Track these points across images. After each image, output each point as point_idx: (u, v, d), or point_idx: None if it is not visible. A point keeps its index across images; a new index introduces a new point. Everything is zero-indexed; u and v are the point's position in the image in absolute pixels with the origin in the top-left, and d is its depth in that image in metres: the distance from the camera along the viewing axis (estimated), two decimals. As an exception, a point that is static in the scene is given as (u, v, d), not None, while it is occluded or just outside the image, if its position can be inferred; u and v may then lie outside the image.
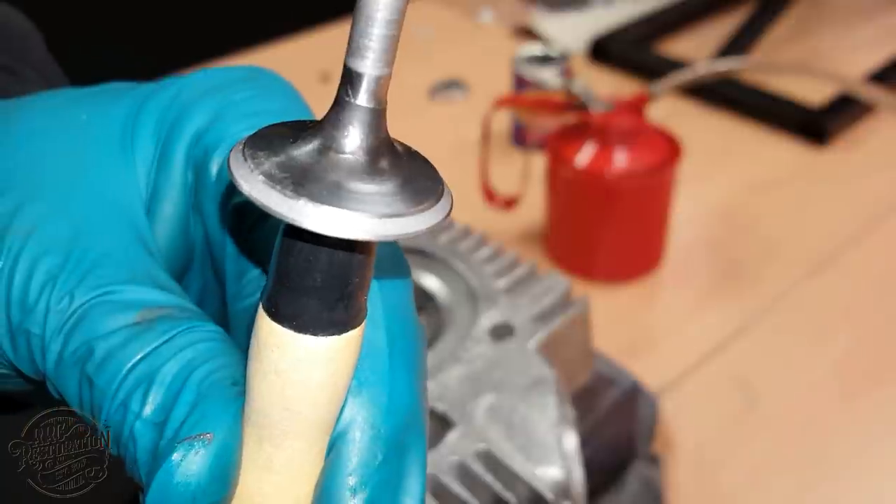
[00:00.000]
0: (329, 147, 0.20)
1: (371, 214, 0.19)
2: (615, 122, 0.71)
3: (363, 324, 0.22)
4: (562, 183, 0.73)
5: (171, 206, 0.26)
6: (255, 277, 0.26)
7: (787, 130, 0.93)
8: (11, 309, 0.23)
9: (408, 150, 0.21)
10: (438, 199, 0.20)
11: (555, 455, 0.42)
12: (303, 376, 0.22)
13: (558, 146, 0.73)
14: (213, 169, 0.25)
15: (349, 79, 0.19)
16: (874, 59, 1.03)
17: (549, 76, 0.86)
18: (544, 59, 0.89)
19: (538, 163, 0.78)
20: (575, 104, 0.72)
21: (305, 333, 0.21)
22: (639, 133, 0.72)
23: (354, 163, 0.20)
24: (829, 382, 0.66)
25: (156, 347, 0.22)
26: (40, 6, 0.34)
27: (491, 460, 0.42)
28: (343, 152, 0.20)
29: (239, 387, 0.22)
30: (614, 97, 0.73)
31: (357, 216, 0.19)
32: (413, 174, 0.20)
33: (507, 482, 0.42)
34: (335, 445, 0.23)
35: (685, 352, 0.68)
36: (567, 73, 0.88)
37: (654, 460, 0.53)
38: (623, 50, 1.06)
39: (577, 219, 0.75)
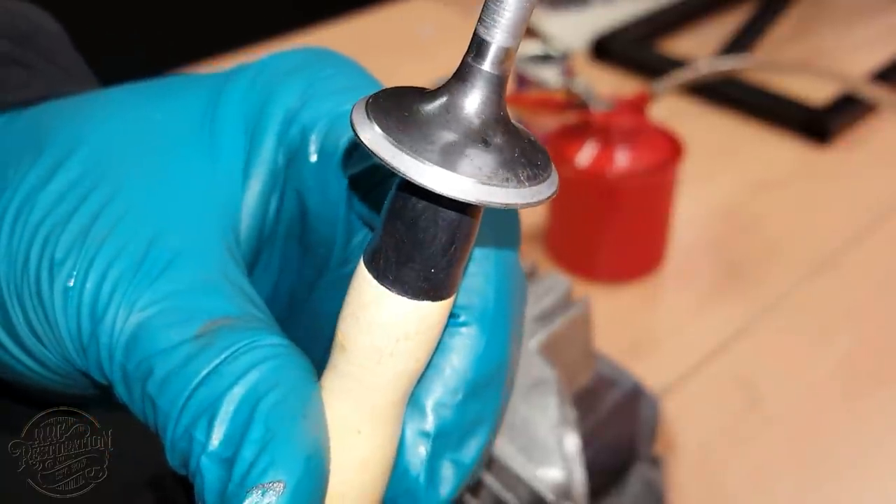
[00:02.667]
0: (451, 109, 0.20)
1: (481, 180, 0.19)
2: (616, 122, 0.70)
3: (453, 297, 0.23)
4: (563, 182, 0.73)
5: (258, 185, 0.26)
6: (360, 240, 0.27)
7: (790, 130, 0.93)
8: (82, 316, 0.23)
9: (522, 127, 0.22)
10: (547, 178, 0.21)
11: (556, 456, 0.41)
12: (393, 332, 0.22)
13: (559, 145, 0.72)
14: (312, 147, 0.26)
15: (477, 46, 0.20)
16: (877, 58, 1.03)
17: (549, 75, 0.86)
18: (545, 58, 0.88)
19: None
20: (576, 103, 0.72)
21: (399, 293, 0.22)
22: (640, 132, 0.71)
23: (473, 127, 0.20)
24: (832, 382, 0.66)
25: (217, 367, 0.22)
26: (43, 5, 0.34)
27: (491, 461, 0.42)
28: (464, 115, 0.20)
29: (309, 419, 0.22)
30: (615, 96, 0.73)
31: (467, 180, 0.19)
32: (526, 149, 0.21)
33: (507, 483, 0.42)
34: (425, 374, 0.24)
35: (687, 352, 0.68)
36: (568, 72, 0.87)
37: (655, 461, 0.53)
38: (624, 49, 1.06)
39: (578, 218, 0.74)
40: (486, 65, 0.20)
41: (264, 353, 0.22)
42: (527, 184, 0.20)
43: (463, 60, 0.20)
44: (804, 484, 0.59)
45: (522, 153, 0.21)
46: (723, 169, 0.89)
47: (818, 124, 0.91)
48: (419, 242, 0.21)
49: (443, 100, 0.20)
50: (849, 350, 0.68)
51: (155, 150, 0.25)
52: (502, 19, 0.19)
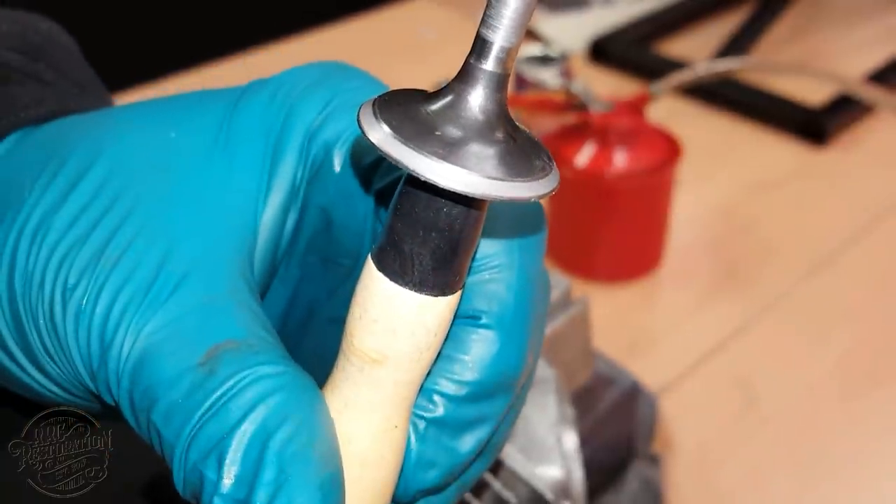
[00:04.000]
0: (456, 107, 0.21)
1: (484, 174, 0.20)
2: (615, 123, 0.71)
3: (459, 292, 0.23)
4: (562, 183, 0.73)
5: (278, 200, 0.26)
6: None
7: (787, 131, 0.93)
8: (92, 340, 0.23)
9: (522, 126, 0.22)
10: (549, 173, 0.22)
11: (555, 455, 0.42)
12: (432, 329, 0.23)
13: (558, 146, 0.73)
14: (336, 160, 0.26)
15: (480, 46, 0.20)
16: (875, 59, 1.03)
17: (548, 76, 0.86)
18: (544, 60, 0.89)
19: (538, 163, 0.78)
20: (575, 104, 0.72)
21: (437, 295, 0.22)
22: (638, 133, 0.72)
23: (476, 122, 0.21)
24: (829, 382, 0.66)
25: (222, 399, 0.22)
26: (44, 11, 0.34)
27: (497, 464, 0.42)
28: (469, 112, 0.21)
29: (321, 452, 0.22)
30: (614, 97, 0.73)
31: (470, 174, 0.20)
32: (528, 144, 0.22)
33: (507, 482, 0.42)
34: (437, 365, 0.24)
35: (685, 351, 0.68)
36: (567, 74, 0.88)
37: (653, 460, 0.53)
38: (623, 50, 1.06)
39: (576, 219, 0.75)
40: (489, 64, 0.20)
41: (272, 385, 0.22)
42: (531, 178, 0.21)
43: (466, 61, 0.21)
44: (801, 483, 0.59)
45: (525, 148, 0.21)
46: (721, 169, 0.89)
47: (815, 125, 0.92)
48: (450, 242, 0.22)
49: (448, 99, 0.21)
50: (846, 350, 0.68)
51: (168, 170, 0.25)
52: (504, 19, 0.20)
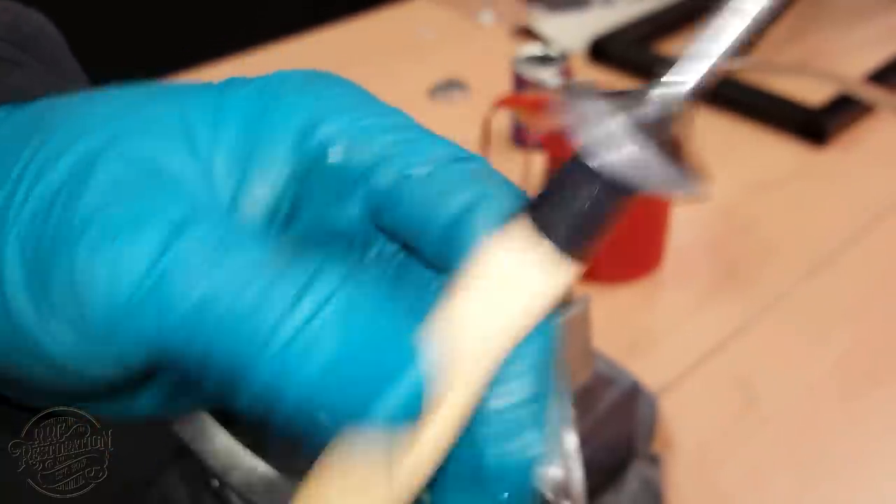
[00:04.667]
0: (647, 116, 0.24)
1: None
2: (615, 122, 0.71)
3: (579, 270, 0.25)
4: (561, 183, 0.73)
5: (264, 201, 0.26)
6: (377, 251, 0.27)
7: (787, 130, 0.93)
8: (120, 286, 0.22)
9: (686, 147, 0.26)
10: (698, 174, 0.25)
11: (554, 454, 0.42)
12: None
13: (557, 146, 0.73)
14: (332, 159, 0.26)
15: (675, 69, 0.24)
16: (874, 59, 1.03)
17: (548, 76, 0.86)
18: (544, 60, 0.89)
19: (538, 163, 0.78)
20: (574, 104, 0.72)
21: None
22: (638, 133, 0.72)
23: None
24: (829, 382, 0.66)
25: (324, 296, 0.21)
26: (43, 6, 0.34)
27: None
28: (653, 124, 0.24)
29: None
30: (614, 97, 0.73)
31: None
32: (683, 158, 0.25)
33: (506, 482, 0.42)
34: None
35: (685, 351, 0.68)
36: (566, 74, 0.88)
37: (653, 460, 0.53)
38: (622, 50, 1.06)
39: (576, 219, 0.75)
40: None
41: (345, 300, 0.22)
42: (684, 178, 0.24)
43: (658, 78, 0.24)
44: (801, 483, 0.59)
45: (678, 157, 0.24)
46: (720, 169, 0.89)
47: (815, 125, 0.92)
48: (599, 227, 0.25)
49: (642, 109, 0.24)
50: (846, 350, 0.68)
51: (151, 161, 0.25)
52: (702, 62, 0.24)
